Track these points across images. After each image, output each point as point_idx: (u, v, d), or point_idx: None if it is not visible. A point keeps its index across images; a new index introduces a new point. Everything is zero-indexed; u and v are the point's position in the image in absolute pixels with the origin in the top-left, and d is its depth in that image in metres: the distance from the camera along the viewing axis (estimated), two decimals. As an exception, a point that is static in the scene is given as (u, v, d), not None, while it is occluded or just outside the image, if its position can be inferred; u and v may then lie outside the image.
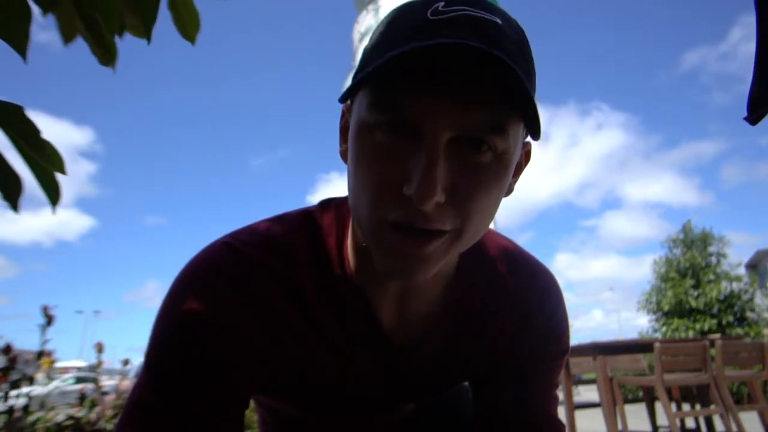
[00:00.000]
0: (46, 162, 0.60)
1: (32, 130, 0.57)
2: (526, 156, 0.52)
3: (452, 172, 0.40)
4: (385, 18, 0.45)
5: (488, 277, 0.60)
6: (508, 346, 0.61)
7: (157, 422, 0.48)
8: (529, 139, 0.49)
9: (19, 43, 0.56)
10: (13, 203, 0.60)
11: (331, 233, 0.56)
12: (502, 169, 0.43)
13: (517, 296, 0.61)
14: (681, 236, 12.91)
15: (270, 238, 0.54)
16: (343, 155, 0.51)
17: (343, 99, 0.43)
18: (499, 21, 0.41)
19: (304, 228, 0.56)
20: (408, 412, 0.69)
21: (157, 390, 0.49)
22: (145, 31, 0.68)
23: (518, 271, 0.62)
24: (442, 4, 0.41)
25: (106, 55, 0.68)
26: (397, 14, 0.43)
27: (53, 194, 0.63)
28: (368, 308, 0.55)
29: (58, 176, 0.63)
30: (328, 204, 0.60)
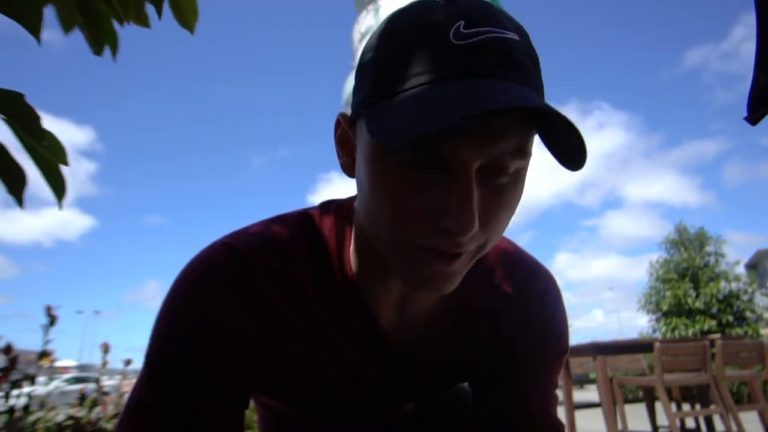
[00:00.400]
0: (46, 151, 0.60)
1: (33, 118, 0.57)
2: None
3: (481, 198, 0.41)
4: (396, 33, 0.43)
5: (487, 278, 0.61)
6: (507, 347, 0.62)
7: (158, 422, 0.48)
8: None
9: (32, 25, 0.56)
10: (18, 197, 0.59)
11: (332, 235, 0.56)
12: (520, 185, 0.44)
13: (517, 297, 0.61)
14: (675, 237, 12.93)
15: (270, 238, 0.55)
16: (347, 169, 0.51)
17: (395, 149, 0.36)
18: (516, 37, 0.41)
19: (304, 228, 0.56)
20: (408, 412, 0.69)
21: (157, 390, 0.49)
22: (156, 9, 0.67)
23: (517, 271, 0.62)
24: (463, 23, 0.40)
25: (100, 44, 0.67)
26: (414, 27, 0.41)
27: (59, 189, 0.63)
28: (368, 309, 0.55)
29: (63, 171, 0.63)
30: (328, 206, 0.60)
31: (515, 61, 0.40)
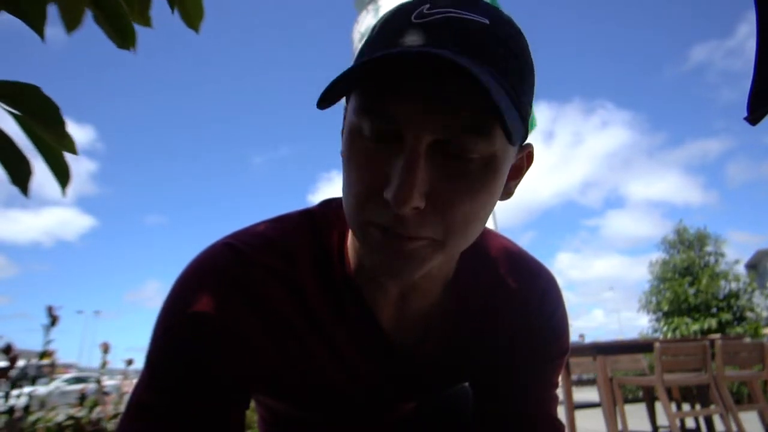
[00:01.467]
0: (61, 142, 0.60)
1: (52, 109, 0.57)
2: (528, 158, 0.51)
3: (436, 179, 0.40)
4: (378, 22, 0.46)
5: (488, 278, 0.61)
6: (507, 347, 0.62)
7: (158, 422, 0.48)
8: (529, 140, 0.49)
9: (36, 23, 0.56)
10: (23, 187, 0.59)
11: (332, 234, 0.56)
12: (490, 175, 0.42)
13: (517, 297, 0.61)
14: (674, 237, 12.95)
15: (271, 238, 0.55)
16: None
17: (319, 103, 0.39)
18: (485, 21, 0.41)
19: (305, 228, 0.56)
20: (408, 412, 0.69)
21: (158, 390, 0.49)
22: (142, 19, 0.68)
23: (518, 271, 0.62)
24: (428, 6, 0.41)
25: (124, 38, 0.68)
26: (389, 17, 0.44)
27: (63, 177, 0.62)
28: (368, 308, 0.55)
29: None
30: (328, 204, 0.60)
31: (469, 37, 0.39)
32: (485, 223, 0.47)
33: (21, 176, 0.59)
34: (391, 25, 0.42)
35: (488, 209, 0.45)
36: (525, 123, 0.44)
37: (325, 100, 0.38)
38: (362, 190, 0.42)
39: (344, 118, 0.52)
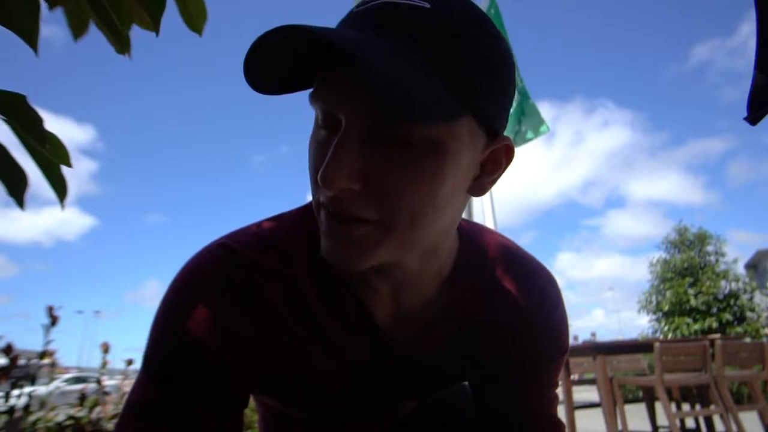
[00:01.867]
0: (50, 154, 0.60)
1: (35, 120, 0.57)
2: (507, 152, 0.50)
3: (374, 163, 0.41)
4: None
5: (486, 276, 0.60)
6: (506, 346, 0.61)
7: (156, 422, 0.48)
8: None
9: (30, 36, 0.56)
10: (19, 199, 0.59)
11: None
12: (435, 160, 0.42)
13: (516, 296, 0.61)
14: (675, 237, 12.95)
15: (267, 238, 0.55)
16: None
17: (252, 86, 0.43)
18: (426, 5, 0.41)
19: (301, 227, 0.56)
20: (407, 412, 0.69)
21: (155, 389, 0.49)
22: (153, 23, 0.68)
23: (516, 270, 0.62)
24: None
25: (122, 43, 0.68)
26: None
27: (60, 189, 0.63)
28: (363, 307, 0.55)
29: (64, 171, 0.63)
30: None
31: (394, 21, 0.41)
32: (444, 214, 0.46)
33: (17, 188, 0.59)
34: (340, 20, 0.46)
35: (441, 198, 0.44)
36: (463, 104, 0.42)
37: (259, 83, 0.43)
38: (312, 174, 0.45)
39: None
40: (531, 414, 0.62)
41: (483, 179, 0.49)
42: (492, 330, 0.61)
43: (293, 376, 0.56)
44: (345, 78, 0.40)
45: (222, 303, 0.50)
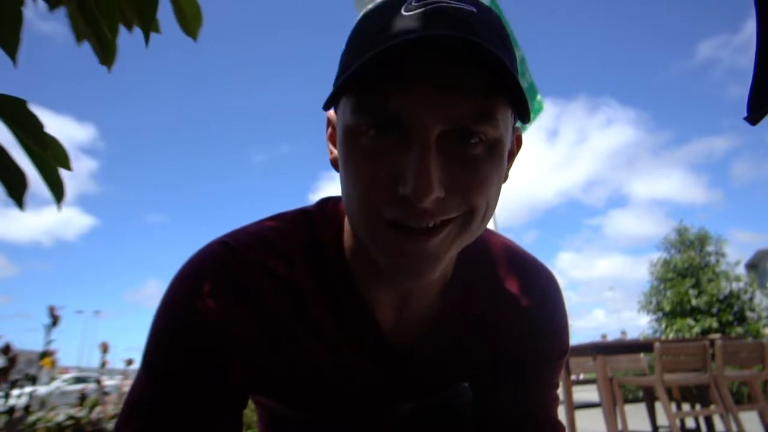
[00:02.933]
0: (50, 158, 0.60)
1: (35, 125, 0.57)
2: (518, 142, 0.52)
3: (447, 166, 0.40)
4: (358, 21, 0.46)
5: (488, 277, 0.60)
6: (507, 347, 0.61)
7: (155, 421, 0.48)
8: (518, 124, 0.49)
9: (10, 48, 0.56)
10: (18, 200, 0.60)
11: (329, 233, 0.56)
12: (497, 158, 0.43)
13: (517, 297, 0.61)
14: (675, 237, 12.95)
15: (268, 237, 0.54)
16: (334, 163, 0.51)
17: (326, 106, 0.42)
18: (473, 9, 0.41)
19: (302, 227, 0.56)
20: (407, 412, 0.69)
21: (154, 389, 0.49)
22: (143, 29, 0.68)
23: (518, 271, 0.62)
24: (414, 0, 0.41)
25: (106, 54, 0.68)
26: (370, 14, 0.44)
27: (58, 191, 0.63)
28: (366, 308, 0.55)
29: (63, 173, 0.63)
30: (325, 203, 0.59)
31: (466, 25, 0.39)
32: (495, 208, 0.47)
33: (17, 189, 0.59)
34: (378, 22, 0.42)
35: (499, 193, 0.46)
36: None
37: (331, 103, 0.40)
38: (369, 186, 0.42)
39: (328, 125, 0.53)
40: (531, 415, 0.62)
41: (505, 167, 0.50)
42: (493, 331, 0.61)
43: (292, 376, 0.55)
44: (429, 83, 0.38)
45: (222, 303, 0.50)
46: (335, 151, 0.51)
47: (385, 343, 0.57)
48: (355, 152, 0.42)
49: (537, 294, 0.62)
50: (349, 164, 0.43)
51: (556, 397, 0.65)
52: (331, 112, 0.52)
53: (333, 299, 0.54)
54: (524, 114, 0.41)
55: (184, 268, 0.53)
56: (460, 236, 0.44)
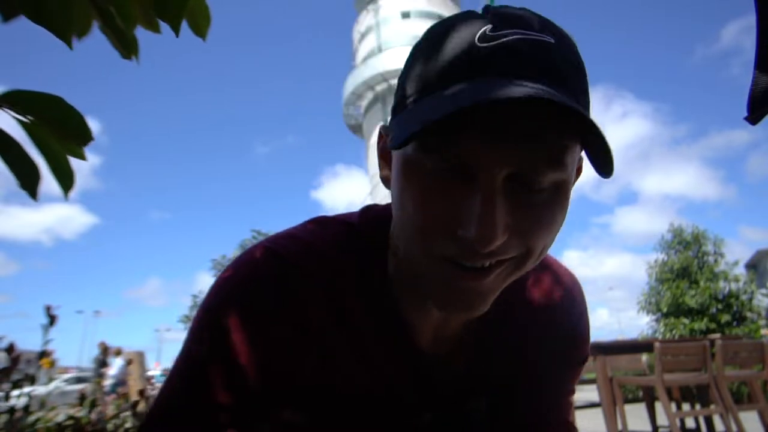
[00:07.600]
0: (68, 146, 0.60)
1: (77, 119, 0.57)
2: (578, 171, 0.49)
3: (511, 211, 0.39)
4: (424, 41, 0.43)
5: (516, 286, 0.60)
6: (535, 353, 0.60)
7: (182, 424, 0.47)
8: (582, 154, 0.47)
9: (63, 31, 0.55)
10: (32, 191, 0.59)
11: (376, 251, 0.55)
12: (563, 200, 0.42)
13: (544, 304, 0.60)
14: (670, 238, 12.95)
15: (312, 244, 0.53)
16: (385, 181, 0.50)
17: (399, 146, 0.38)
18: (552, 41, 0.39)
19: (346, 239, 0.55)
20: (425, 423, 0.68)
21: (188, 394, 0.48)
22: (172, 25, 0.67)
23: (544, 276, 0.61)
24: (490, 27, 0.39)
25: (127, 48, 0.68)
26: (440, 39, 0.41)
27: (66, 181, 0.63)
28: (407, 331, 0.54)
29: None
30: (367, 213, 0.58)
31: (543, 62, 0.38)
32: (552, 244, 0.46)
33: (30, 181, 0.59)
34: (449, 48, 0.40)
35: (558, 231, 0.44)
36: None
37: (403, 144, 0.37)
38: (428, 224, 0.41)
39: (380, 139, 0.52)
40: (549, 420, 0.61)
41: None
42: (522, 340, 0.60)
43: (323, 386, 0.54)
44: (499, 129, 0.37)
45: (265, 309, 0.49)
46: (387, 171, 0.50)
47: (421, 358, 0.56)
48: (414, 186, 0.41)
49: (564, 300, 0.61)
50: (406, 195, 0.42)
51: (573, 403, 0.65)
52: (383, 126, 0.51)
53: (374, 312, 0.53)
54: (607, 168, 0.39)
55: (226, 273, 0.52)
56: (514, 274, 0.44)
